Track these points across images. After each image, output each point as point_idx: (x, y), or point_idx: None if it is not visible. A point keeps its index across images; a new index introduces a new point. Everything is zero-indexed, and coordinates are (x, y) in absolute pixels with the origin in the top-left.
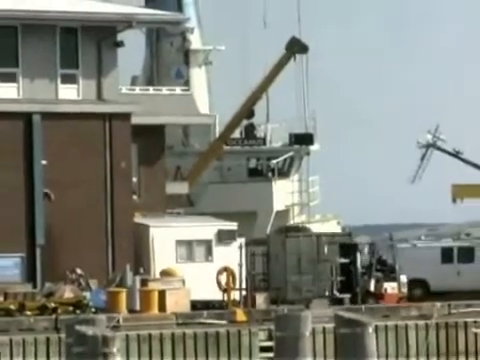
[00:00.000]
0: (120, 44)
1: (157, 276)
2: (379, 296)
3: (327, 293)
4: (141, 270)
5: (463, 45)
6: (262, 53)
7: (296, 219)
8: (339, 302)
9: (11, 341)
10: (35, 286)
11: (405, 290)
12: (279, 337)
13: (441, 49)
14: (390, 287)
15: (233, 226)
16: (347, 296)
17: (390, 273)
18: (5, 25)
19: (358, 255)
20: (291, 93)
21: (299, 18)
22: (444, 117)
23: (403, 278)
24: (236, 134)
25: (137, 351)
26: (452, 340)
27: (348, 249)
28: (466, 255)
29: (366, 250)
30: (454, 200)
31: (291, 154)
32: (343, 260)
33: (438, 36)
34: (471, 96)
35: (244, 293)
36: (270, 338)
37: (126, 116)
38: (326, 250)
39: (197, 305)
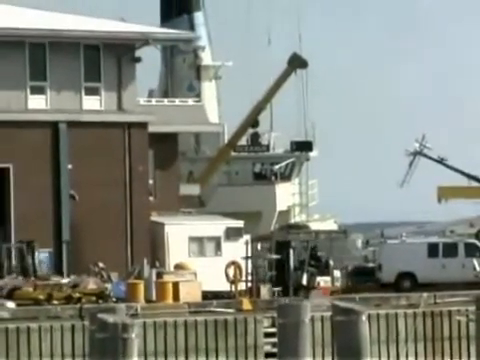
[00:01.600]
0: (138, 60)
1: (171, 269)
2: (311, 289)
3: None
4: (157, 264)
5: (452, 58)
6: (266, 68)
7: (297, 218)
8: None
9: (40, 328)
10: (62, 278)
11: (338, 284)
12: (281, 324)
13: (431, 62)
14: (323, 281)
15: (240, 224)
16: (279, 289)
17: (325, 268)
18: (35, 43)
19: (291, 252)
20: (292, 104)
21: (300, 36)
22: (430, 126)
23: (337, 273)
24: (243, 141)
25: (153, 337)
26: (437, 327)
27: (282, 246)
28: (450, 250)
29: (301, 246)
30: (439, 200)
31: (292, 160)
32: (275, 256)
33: (430, 50)
34: (457, 108)
35: (250, 284)
36: (273, 325)
37: (143, 125)
38: (259, 247)
39: (207, 295)
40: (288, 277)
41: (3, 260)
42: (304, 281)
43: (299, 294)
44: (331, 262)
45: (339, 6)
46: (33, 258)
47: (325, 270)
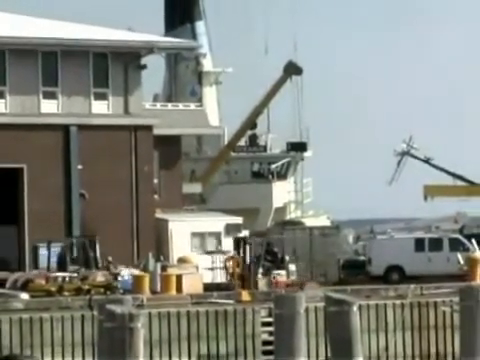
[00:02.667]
0: (143, 67)
1: (175, 263)
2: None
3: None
4: (161, 258)
5: (440, 64)
6: (263, 74)
7: (292, 214)
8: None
9: (52, 318)
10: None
11: (294, 277)
12: (278, 314)
13: (418, 68)
14: (278, 274)
15: (239, 220)
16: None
17: (280, 263)
18: (47, 51)
19: (248, 248)
20: (288, 108)
21: (295, 45)
22: (418, 127)
23: (292, 267)
24: (242, 142)
25: (158, 326)
26: (424, 317)
27: (239, 242)
28: (436, 245)
29: (258, 243)
30: (426, 198)
31: (288, 159)
32: (233, 252)
33: (419, 55)
34: (443, 111)
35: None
36: (270, 315)
37: (149, 128)
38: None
39: (209, 287)
40: (245, 271)
41: (67, 253)
42: (259, 275)
43: (257, 287)
44: (286, 257)
45: (332, 17)
46: (94, 251)
47: (281, 265)
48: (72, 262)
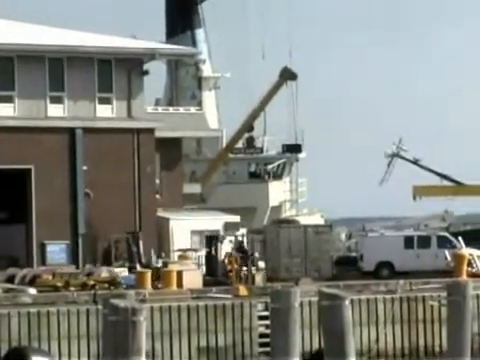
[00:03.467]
0: (146, 72)
1: (176, 259)
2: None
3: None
4: (163, 254)
5: (430, 68)
6: (260, 80)
7: (287, 213)
8: None
9: (58, 311)
10: (78, 267)
11: (262, 273)
12: (274, 308)
13: (408, 73)
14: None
15: (237, 219)
16: (209, 278)
17: (251, 259)
18: (54, 57)
19: (219, 245)
20: (283, 112)
21: (290, 52)
22: (407, 130)
23: (261, 264)
24: (239, 144)
25: (160, 320)
26: (413, 311)
27: (211, 240)
28: (424, 242)
29: (229, 240)
30: (415, 198)
31: (283, 160)
32: (206, 249)
33: (416, 60)
34: (431, 113)
35: (246, 272)
36: (266, 309)
37: (151, 131)
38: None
39: (208, 282)
40: (216, 267)
41: (111, 249)
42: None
43: (227, 282)
44: (256, 254)
45: (327, 23)
46: (138, 247)
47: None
48: (116, 258)
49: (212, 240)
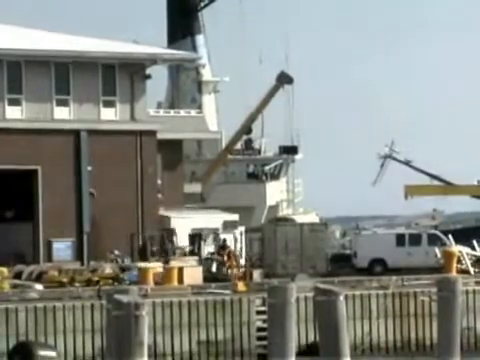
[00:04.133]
0: (148, 77)
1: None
2: (220, 275)
3: None
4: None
5: (422, 70)
6: (258, 83)
7: (284, 212)
8: None
9: (64, 306)
10: (83, 264)
11: (242, 270)
12: (271, 303)
13: (399, 76)
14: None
15: (235, 217)
16: None
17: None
18: (60, 62)
19: (202, 243)
20: (280, 114)
21: (287, 57)
22: (399, 132)
23: (241, 261)
24: (238, 146)
25: (161, 314)
26: (405, 306)
27: (194, 238)
28: (415, 240)
29: (211, 239)
30: (406, 197)
31: (280, 161)
32: (190, 247)
33: (406, 65)
34: (423, 116)
35: (244, 269)
36: (264, 304)
37: (153, 133)
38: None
39: (207, 279)
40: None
41: (147, 245)
42: (214, 268)
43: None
44: (237, 253)
45: (323, 28)
46: (172, 242)
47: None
48: (152, 254)
49: (195, 238)
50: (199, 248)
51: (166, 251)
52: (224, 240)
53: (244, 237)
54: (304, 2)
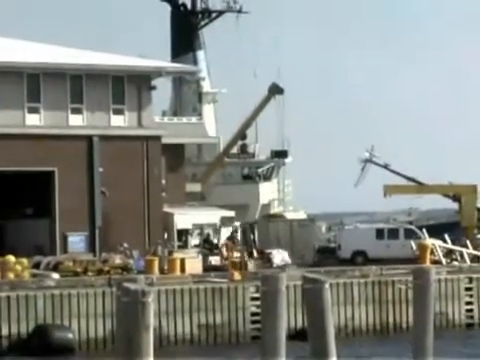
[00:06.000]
0: (153, 88)
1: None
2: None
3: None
4: (168, 244)
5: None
6: (252, 94)
7: (275, 209)
8: None
9: (78, 293)
10: (95, 255)
11: (227, 262)
12: (264, 291)
13: (382, 85)
14: (214, 260)
15: (232, 214)
16: None
17: (215, 249)
18: (74, 74)
19: (189, 238)
20: (272, 122)
21: (278, 71)
22: (379, 137)
23: (224, 252)
24: (234, 150)
25: (165, 300)
26: (383, 293)
27: (181, 233)
28: (393, 234)
29: (196, 233)
30: (385, 196)
31: (272, 164)
32: (178, 242)
33: (390, 76)
34: (402, 122)
35: (239, 260)
36: (257, 291)
37: (158, 138)
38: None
39: (207, 268)
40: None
41: (235, 236)
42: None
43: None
44: (220, 245)
45: (310, 47)
46: (253, 235)
47: (215, 251)
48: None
49: (182, 233)
50: (186, 242)
51: (249, 243)
52: (208, 235)
53: (239, 231)
54: (293, 23)
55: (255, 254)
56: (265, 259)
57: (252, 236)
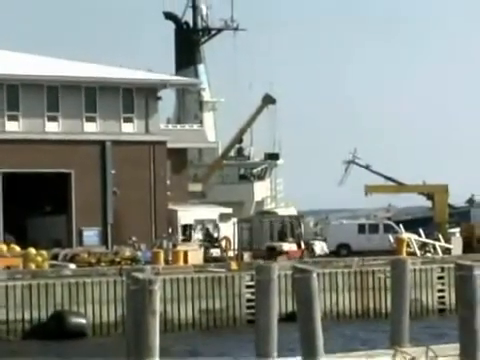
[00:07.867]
0: (159, 98)
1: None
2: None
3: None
4: (172, 238)
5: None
6: (247, 104)
7: (268, 206)
8: None
9: (92, 282)
10: (107, 248)
11: (226, 254)
12: (258, 280)
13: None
14: (215, 252)
15: (229, 211)
16: None
17: (215, 242)
18: (88, 86)
19: (193, 232)
20: (265, 128)
21: (271, 83)
22: (361, 140)
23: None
24: (231, 153)
25: (170, 288)
26: (365, 281)
27: (185, 228)
28: (373, 228)
29: (199, 228)
30: (366, 194)
31: (265, 166)
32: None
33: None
34: (384, 126)
35: (236, 252)
36: (252, 280)
37: (163, 143)
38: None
39: (207, 260)
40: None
41: (286, 230)
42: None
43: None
44: (220, 239)
45: (301, 59)
46: (300, 227)
47: (216, 244)
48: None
49: (185, 228)
50: (190, 236)
51: (297, 235)
52: (208, 229)
53: (236, 227)
54: (286, 38)
55: (302, 245)
56: (309, 249)
57: (299, 229)
